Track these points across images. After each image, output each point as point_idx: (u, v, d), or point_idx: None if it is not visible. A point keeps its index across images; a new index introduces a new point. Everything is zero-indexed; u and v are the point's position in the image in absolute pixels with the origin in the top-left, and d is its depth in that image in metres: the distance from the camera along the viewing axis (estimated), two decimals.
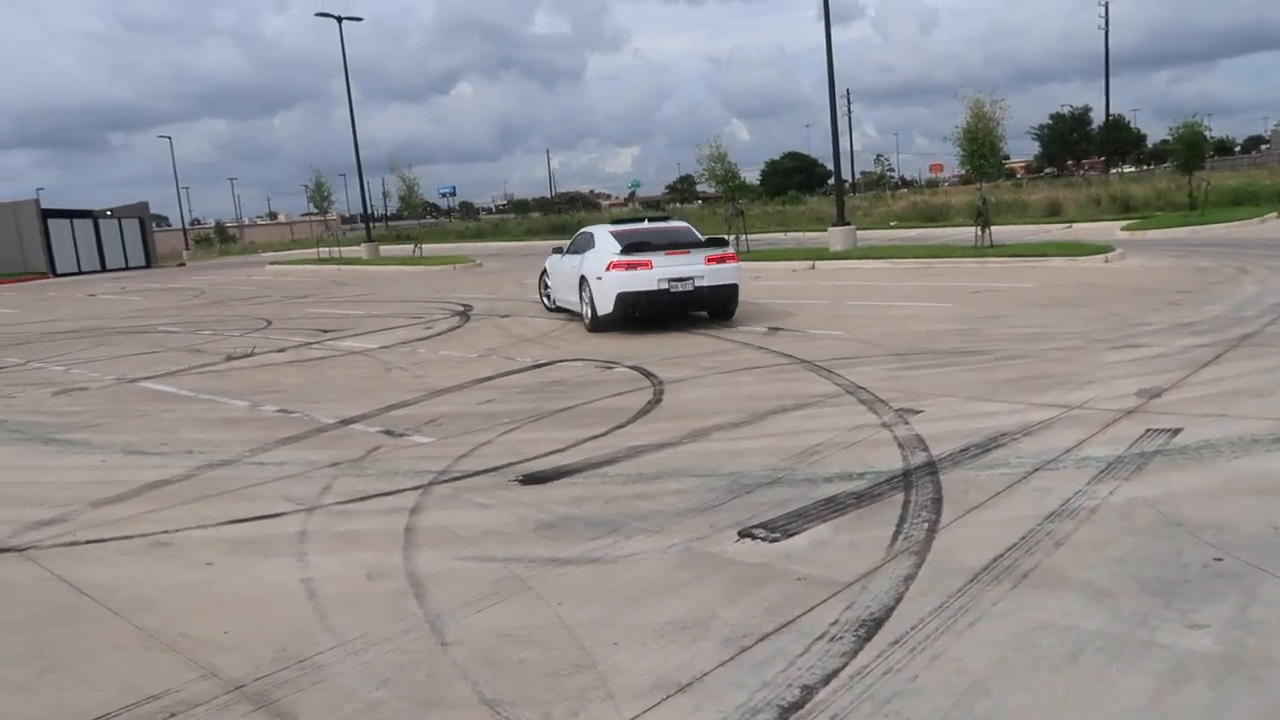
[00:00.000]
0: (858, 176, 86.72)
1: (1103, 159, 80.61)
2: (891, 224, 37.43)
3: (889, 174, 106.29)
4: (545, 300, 15.17)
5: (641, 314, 11.88)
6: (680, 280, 11.62)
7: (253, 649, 3.63)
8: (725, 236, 13.87)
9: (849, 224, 23.38)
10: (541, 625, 3.70)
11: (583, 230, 14.02)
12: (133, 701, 3.27)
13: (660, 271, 11.55)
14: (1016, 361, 8.55)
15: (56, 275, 44.57)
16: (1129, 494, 4.79)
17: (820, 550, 4.33)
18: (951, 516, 4.65)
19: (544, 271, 15.16)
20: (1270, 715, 2.85)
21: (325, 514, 5.29)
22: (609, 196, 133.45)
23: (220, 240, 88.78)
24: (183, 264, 55.13)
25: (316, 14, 36.34)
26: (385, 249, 42.95)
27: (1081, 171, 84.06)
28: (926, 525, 4.56)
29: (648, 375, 8.94)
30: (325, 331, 14.41)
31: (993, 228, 20.47)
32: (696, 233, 13.12)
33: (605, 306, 11.77)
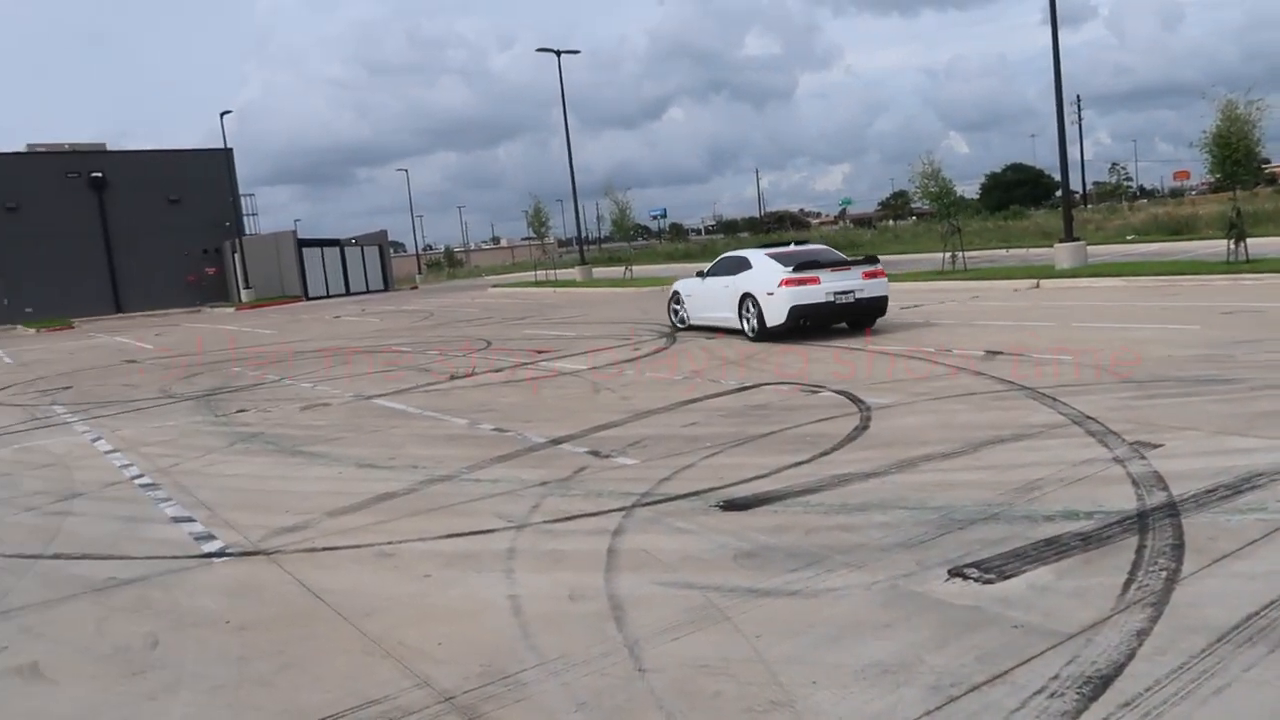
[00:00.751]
0: (1090, 187, 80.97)
1: None
2: (1128, 238, 34.63)
3: (1125, 184, 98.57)
4: (675, 320, 16.60)
5: (810, 323, 13.57)
6: (843, 293, 13.51)
7: (463, 661, 3.80)
8: (876, 255, 15.72)
9: (1078, 239, 21.82)
10: (738, 658, 3.65)
11: (729, 255, 15.77)
12: (355, 704, 3.51)
13: (827, 286, 13.42)
14: (1276, 393, 7.64)
15: (308, 298, 49.20)
16: None
17: (1040, 596, 4.02)
18: (1195, 566, 4.20)
19: (674, 294, 16.68)
20: None
21: (533, 532, 5.48)
22: (818, 215, 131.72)
23: (448, 264, 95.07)
24: (415, 287, 59.36)
25: (538, 49, 38.30)
26: (597, 271, 44.39)
27: None
28: (1164, 574, 4.14)
29: (855, 400, 8.69)
30: (540, 352, 15.04)
31: (1248, 240, 18.48)
32: (838, 253, 15.17)
33: (778, 317, 13.47)
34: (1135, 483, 5.52)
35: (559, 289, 35.80)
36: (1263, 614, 3.65)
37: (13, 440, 10.36)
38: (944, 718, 3.10)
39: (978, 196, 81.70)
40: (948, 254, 23.63)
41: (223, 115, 49.34)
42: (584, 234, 53.37)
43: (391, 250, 64.57)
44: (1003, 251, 33.45)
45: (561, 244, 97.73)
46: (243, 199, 55.21)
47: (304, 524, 6.00)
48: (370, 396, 11.49)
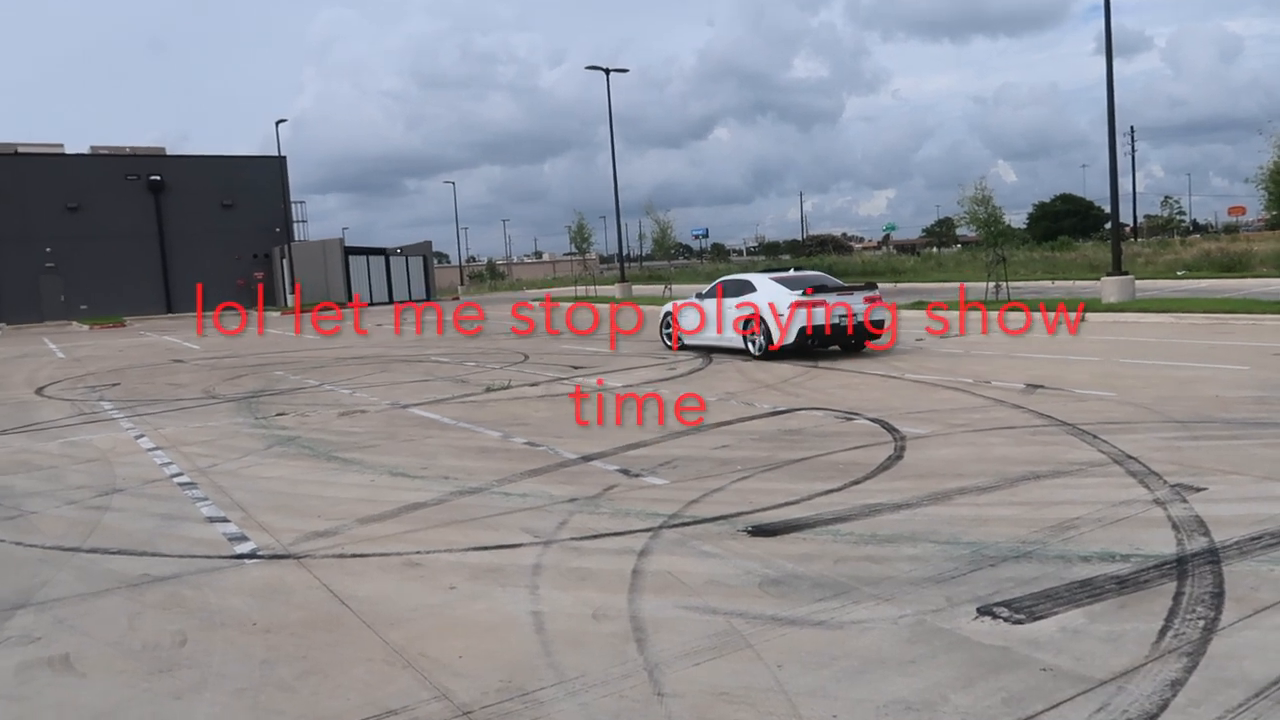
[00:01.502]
0: (1140, 221, 79.66)
1: None
2: (1179, 273, 34.00)
3: (1178, 217, 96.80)
4: (667, 340, 17.40)
5: (817, 343, 14.63)
6: (846, 317, 14.52)
7: (482, 676, 3.81)
8: (874, 281, 17.68)
9: (1126, 273, 21.47)
10: (759, 687, 3.61)
11: (730, 278, 16.62)
12: (374, 714, 3.52)
13: (832, 310, 14.43)
14: None
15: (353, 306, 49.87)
16: None
17: (1071, 639, 3.94)
18: (1235, 616, 4.09)
19: (668, 314, 17.46)
20: None
21: (560, 549, 5.48)
22: (861, 240, 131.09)
23: (490, 276, 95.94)
24: (457, 298, 59.95)
25: (587, 67, 38.70)
26: (637, 288, 44.51)
27: None
28: (1202, 623, 4.03)
29: (890, 429, 8.60)
30: (576, 368, 15.08)
31: None
32: (836, 279, 16.42)
33: (786, 338, 14.45)
34: (1176, 526, 5.39)
35: (598, 304, 35.91)
36: None
37: (60, 434, 10.60)
38: None
39: (1025, 226, 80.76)
40: (991, 283, 23.36)
41: (278, 124, 50.42)
42: (625, 251, 53.60)
43: (435, 261, 65.29)
44: (1049, 283, 33.00)
45: (603, 260, 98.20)
46: (293, 206, 56.19)
47: (335, 529, 6.05)
48: (406, 405, 11.59)
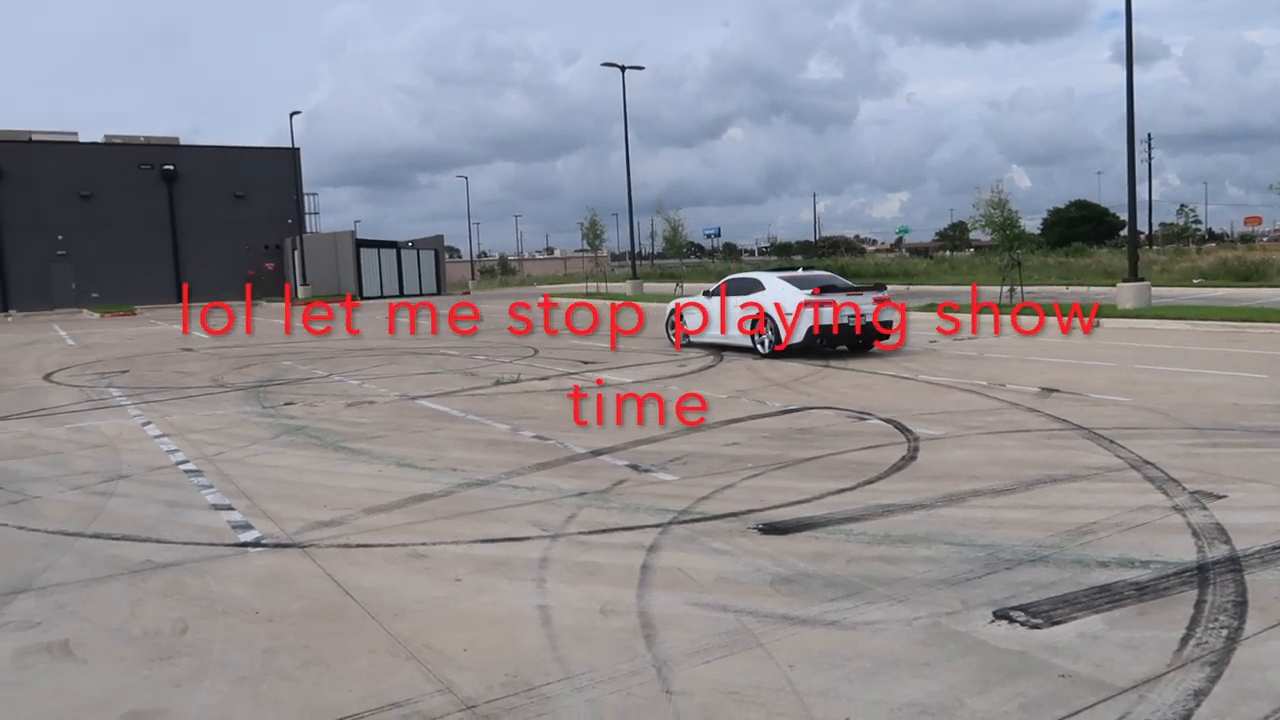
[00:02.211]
0: (1156, 228, 79.21)
1: None
2: (1195, 281, 33.71)
3: (1194, 226, 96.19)
4: (672, 337, 17.38)
5: (824, 343, 14.55)
6: (855, 317, 14.51)
7: (487, 669, 3.73)
8: (883, 282, 17.56)
9: (1142, 280, 21.29)
10: (769, 687, 3.53)
11: (739, 276, 16.70)
12: (376, 706, 3.45)
13: (841, 309, 14.43)
14: None
15: (363, 298, 49.92)
16: None
17: (1090, 645, 3.84)
18: (1259, 626, 3.98)
19: (674, 311, 17.44)
20: None
21: (568, 543, 5.41)
22: (874, 242, 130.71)
23: (502, 272, 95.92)
24: (468, 292, 59.93)
25: (602, 64, 38.60)
26: (649, 286, 44.41)
27: None
28: (1225, 633, 3.93)
29: (903, 430, 8.50)
30: (585, 363, 15.01)
31: None
32: (845, 279, 16.44)
33: (795, 337, 14.45)
34: (1196, 533, 5.29)
35: (610, 301, 35.84)
36: None
37: (67, 420, 10.58)
38: None
39: (1039, 231, 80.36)
40: (1006, 287, 23.19)
41: (292, 115, 50.45)
42: (637, 249, 53.53)
43: (446, 255, 65.31)
44: (1063, 288, 32.74)
45: (615, 258, 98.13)
46: (305, 198, 56.28)
47: (340, 519, 5.99)
48: (415, 397, 11.54)
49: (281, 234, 53.43)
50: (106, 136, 52.43)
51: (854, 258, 72.79)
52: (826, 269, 17.18)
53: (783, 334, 14.50)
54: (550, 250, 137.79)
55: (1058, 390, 10.54)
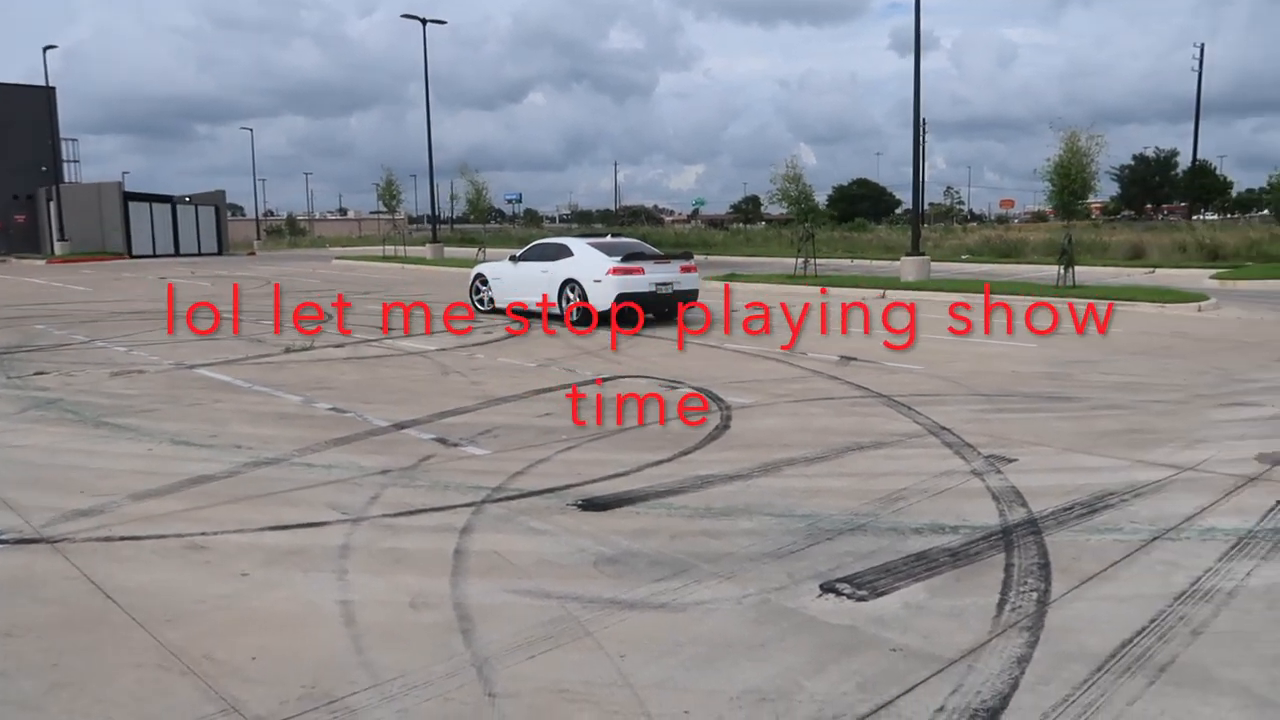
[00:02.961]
0: (926, 208, 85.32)
1: (1185, 204, 78.23)
2: (963, 257, 36.45)
3: (959, 206, 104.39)
4: (476, 303, 16.92)
5: (634, 310, 14.24)
6: (664, 284, 14.50)
7: (281, 681, 3.26)
8: (690, 250, 18.22)
9: (923, 254, 22.67)
10: (601, 682, 3.27)
11: (547, 241, 16.35)
12: None
13: (650, 277, 14.37)
14: (1115, 412, 7.93)
15: (132, 256, 45.62)
16: (1271, 577, 4.22)
17: (916, 615, 3.84)
18: (1064, 587, 4.13)
19: (479, 276, 16.99)
20: None
21: (371, 527, 4.93)
22: (672, 213, 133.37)
23: (290, 232, 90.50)
24: (253, 253, 56.09)
25: (402, 15, 36.81)
26: (450, 250, 43.13)
27: (1162, 216, 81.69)
28: (1035, 595, 4.04)
29: (715, 399, 8.49)
30: (385, 330, 14.21)
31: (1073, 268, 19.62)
32: (653, 247, 16.21)
33: (604, 304, 14.16)
34: (995, 497, 5.49)
35: (408, 265, 34.49)
36: (1136, 641, 3.58)
37: None
38: None
39: (824, 207, 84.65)
40: (800, 259, 24.08)
41: (45, 50, 45.01)
42: (438, 213, 51.84)
43: (230, 213, 60.80)
44: (847, 261, 34.53)
45: (413, 221, 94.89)
46: (63, 144, 50.65)
47: (101, 507, 5.21)
48: (193, 366, 10.46)
49: (34, 183, 47.89)
50: None
51: (654, 227, 73.89)
52: (629, 238, 17.15)
53: (593, 301, 14.31)
54: (344, 211, 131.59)
55: (855, 359, 10.92)
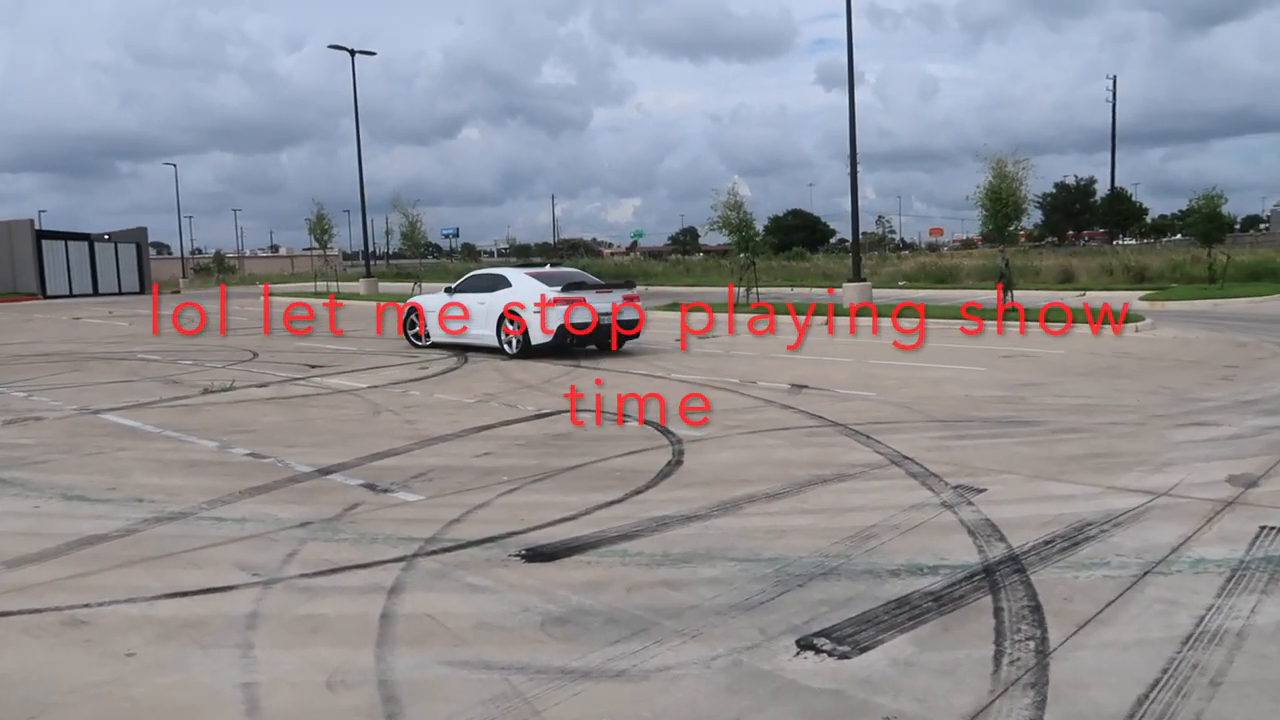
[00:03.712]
0: (859, 236, 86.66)
1: (1104, 230, 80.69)
2: (900, 284, 36.79)
3: (890, 235, 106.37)
4: (410, 337, 16.16)
5: (575, 341, 13.88)
6: (606, 314, 14.01)
7: None
8: (633, 279, 17.61)
9: (865, 280, 22.65)
10: None
11: (483, 272, 15.90)
12: None
13: (592, 306, 13.87)
14: (1075, 436, 7.67)
15: (46, 297, 43.73)
16: (1277, 614, 3.88)
17: (906, 674, 3.40)
18: (1061, 634, 3.73)
19: (412, 309, 16.20)
20: None
21: (285, 590, 4.35)
22: (610, 245, 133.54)
23: (219, 270, 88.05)
24: (177, 291, 54.30)
25: (330, 46, 36.15)
26: (385, 285, 42.21)
27: (1083, 242, 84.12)
28: (1033, 644, 3.64)
29: (664, 432, 8.03)
30: (313, 367, 13.51)
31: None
32: (595, 276, 15.79)
33: (545, 335, 13.69)
34: (971, 532, 5.12)
35: (341, 300, 33.53)
36: (1153, 697, 3.19)
37: None
38: None
39: (759, 237, 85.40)
40: (743, 288, 23.88)
41: None
42: (372, 248, 50.84)
43: (154, 251, 58.91)
44: (788, 289, 34.55)
45: (347, 257, 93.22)
46: None
47: None
48: (99, 410, 9.67)
49: None
50: None
51: (593, 259, 73.67)
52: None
53: (534, 332, 13.75)
54: (275, 248, 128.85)
55: (807, 387, 10.58)
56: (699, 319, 21.61)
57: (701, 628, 3.84)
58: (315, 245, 45.23)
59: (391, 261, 79.75)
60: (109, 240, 49.28)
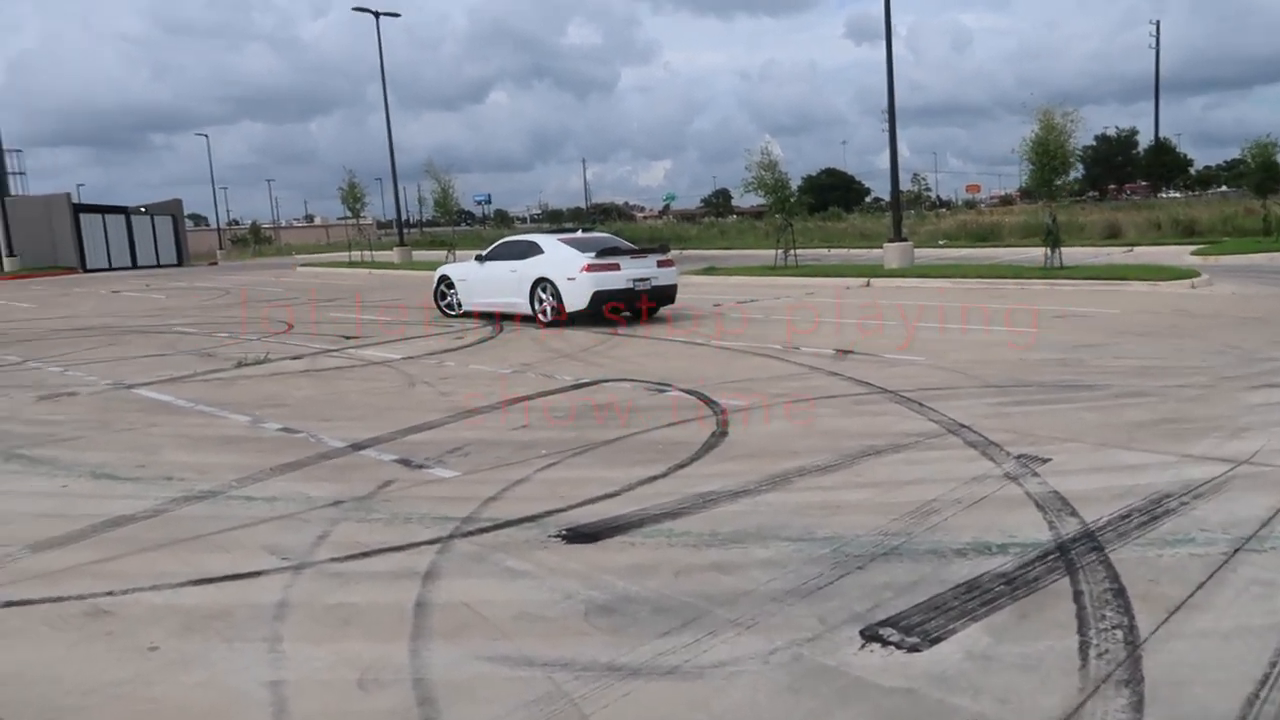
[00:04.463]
0: (900, 194, 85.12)
1: (1147, 183, 78.50)
2: (940, 243, 35.99)
3: (926, 193, 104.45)
4: (442, 306, 15.97)
5: (610, 309, 13.47)
6: (641, 280, 13.66)
7: None
8: (666, 243, 17.53)
9: (906, 240, 22.07)
10: None
11: (514, 239, 15.46)
12: None
13: (626, 273, 13.54)
14: (1141, 400, 7.27)
15: (86, 270, 44.19)
16: None
17: (984, 669, 3.11)
18: (1151, 621, 3.41)
19: (444, 279, 15.99)
20: None
21: (315, 575, 4.14)
22: (643, 209, 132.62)
23: (255, 241, 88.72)
24: (214, 263, 54.71)
25: (354, 8, 35.70)
26: (419, 254, 42.15)
27: (1125, 195, 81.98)
28: (1120, 634, 3.33)
29: (707, 401, 7.74)
30: (347, 338, 13.36)
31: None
32: (628, 242, 15.49)
33: (579, 302, 13.35)
34: (1039, 506, 4.79)
35: (375, 270, 33.48)
36: (1265, 697, 2.87)
37: None
38: None
39: (795, 198, 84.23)
40: (779, 250, 23.40)
41: None
42: (404, 216, 50.75)
43: (190, 223, 59.37)
44: (825, 250, 33.96)
45: (381, 226, 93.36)
46: (7, 155, 49.04)
47: None
48: (132, 385, 9.57)
49: None
50: None
51: (626, 223, 73.16)
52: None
53: (568, 299, 13.43)
54: (310, 218, 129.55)
55: (852, 352, 10.22)
56: (736, 282, 21.22)
57: (757, 616, 3.57)
58: (349, 214, 45.25)
59: (425, 229, 79.76)
60: (145, 213, 49.62)
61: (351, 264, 37.22)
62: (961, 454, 5.87)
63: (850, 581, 3.90)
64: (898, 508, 4.82)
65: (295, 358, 11.42)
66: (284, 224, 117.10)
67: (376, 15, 35.84)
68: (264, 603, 3.83)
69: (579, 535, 4.56)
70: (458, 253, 36.86)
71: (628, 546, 4.40)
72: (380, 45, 36.25)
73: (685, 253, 37.11)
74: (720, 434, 6.61)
